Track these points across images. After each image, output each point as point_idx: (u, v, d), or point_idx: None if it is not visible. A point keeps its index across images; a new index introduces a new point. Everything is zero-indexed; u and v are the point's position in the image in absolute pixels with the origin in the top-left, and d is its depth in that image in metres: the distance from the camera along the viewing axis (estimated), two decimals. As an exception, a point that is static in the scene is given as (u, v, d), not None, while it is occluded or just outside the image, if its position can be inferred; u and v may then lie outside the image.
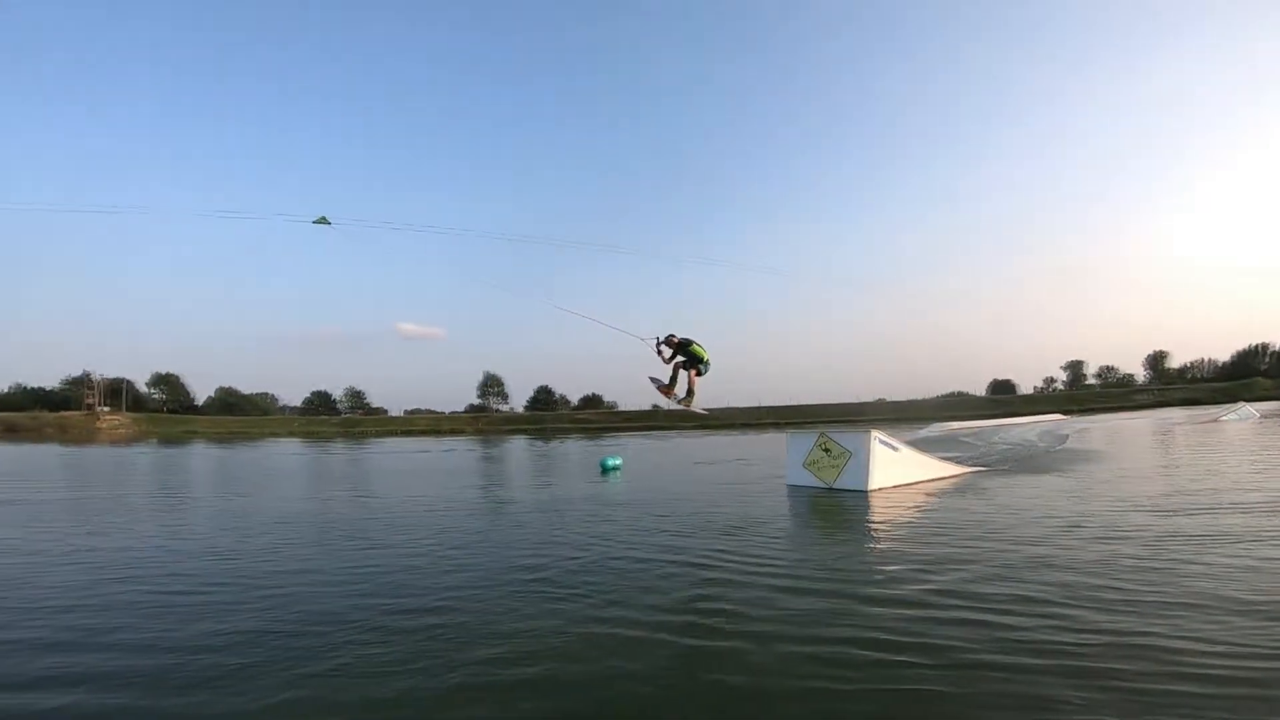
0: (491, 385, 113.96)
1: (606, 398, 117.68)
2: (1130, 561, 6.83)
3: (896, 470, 14.23)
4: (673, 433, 64.67)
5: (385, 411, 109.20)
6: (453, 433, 77.20)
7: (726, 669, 4.36)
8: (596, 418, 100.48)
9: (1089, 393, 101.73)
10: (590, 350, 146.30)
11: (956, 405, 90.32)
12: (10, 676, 4.30)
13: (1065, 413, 52.82)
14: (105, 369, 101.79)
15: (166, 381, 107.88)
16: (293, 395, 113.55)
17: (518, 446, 42.84)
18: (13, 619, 5.58)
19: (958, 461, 17.22)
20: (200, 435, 73.84)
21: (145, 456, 34.45)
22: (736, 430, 65.32)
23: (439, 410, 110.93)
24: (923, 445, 18.25)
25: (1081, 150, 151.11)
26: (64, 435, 73.27)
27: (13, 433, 75.68)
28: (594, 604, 5.94)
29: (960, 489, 13.42)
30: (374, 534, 9.82)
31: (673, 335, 10.67)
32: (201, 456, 34.66)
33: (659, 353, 10.51)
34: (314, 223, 9.24)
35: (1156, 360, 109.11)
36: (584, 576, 6.95)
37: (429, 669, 4.36)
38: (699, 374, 10.58)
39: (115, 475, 23.10)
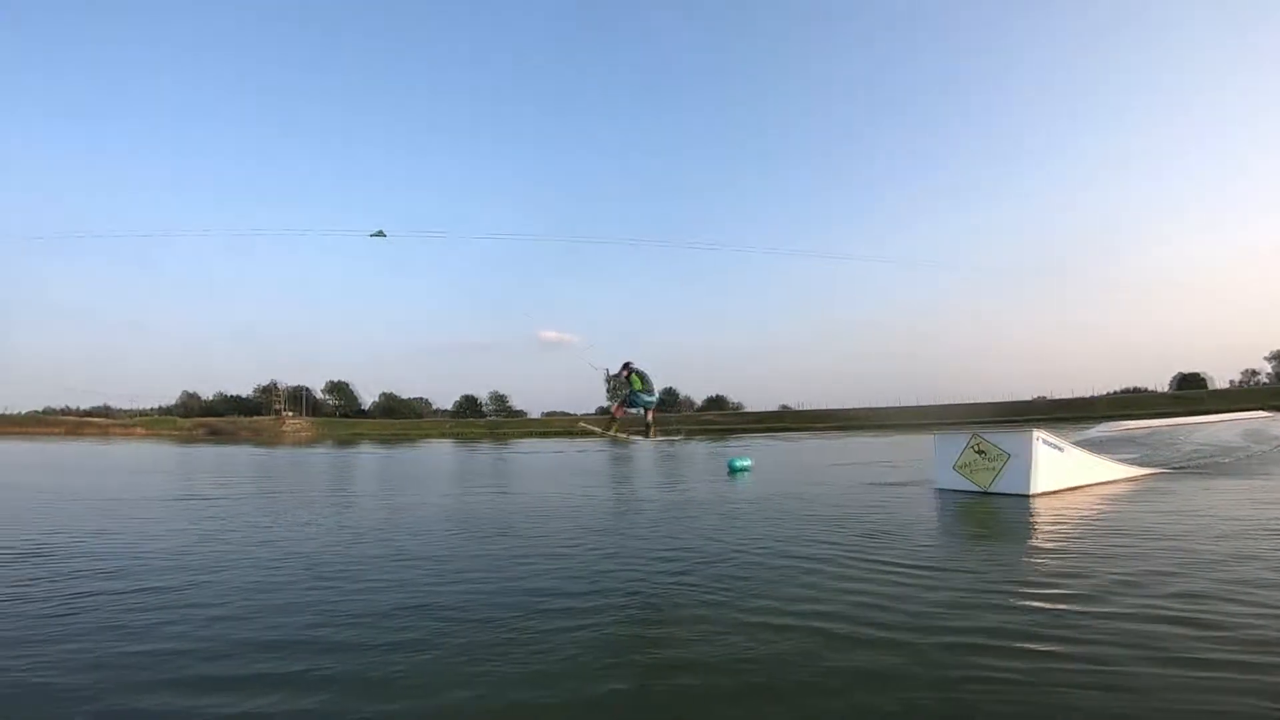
0: (619, 388, 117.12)
1: (731, 398, 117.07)
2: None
3: (1062, 472, 13.11)
4: (802, 434, 62.98)
5: (525, 414, 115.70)
6: (585, 434, 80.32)
7: (889, 669, 4.35)
8: (721, 419, 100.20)
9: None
10: (714, 351, 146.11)
11: (1132, 403, 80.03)
12: (213, 676, 4.43)
13: (1276, 409, 45.03)
14: (288, 378, 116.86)
15: (339, 388, 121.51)
16: (444, 399, 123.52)
17: (645, 447, 43.72)
18: (211, 618, 5.73)
19: (1136, 463, 15.43)
20: (366, 436, 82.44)
21: (323, 456, 38.86)
22: (874, 431, 62.34)
23: (573, 412, 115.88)
24: (1092, 446, 16.51)
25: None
26: (257, 437, 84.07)
27: (216, 435, 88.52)
28: (741, 604, 5.90)
29: (1142, 493, 12.09)
30: (521, 530, 10.37)
31: (629, 364, 10.86)
32: (370, 456, 38.63)
33: (616, 381, 10.62)
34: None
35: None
36: (726, 578, 6.91)
37: (585, 671, 4.39)
38: (627, 403, 10.80)
39: (299, 474, 25.85)
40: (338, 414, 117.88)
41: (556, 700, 4.02)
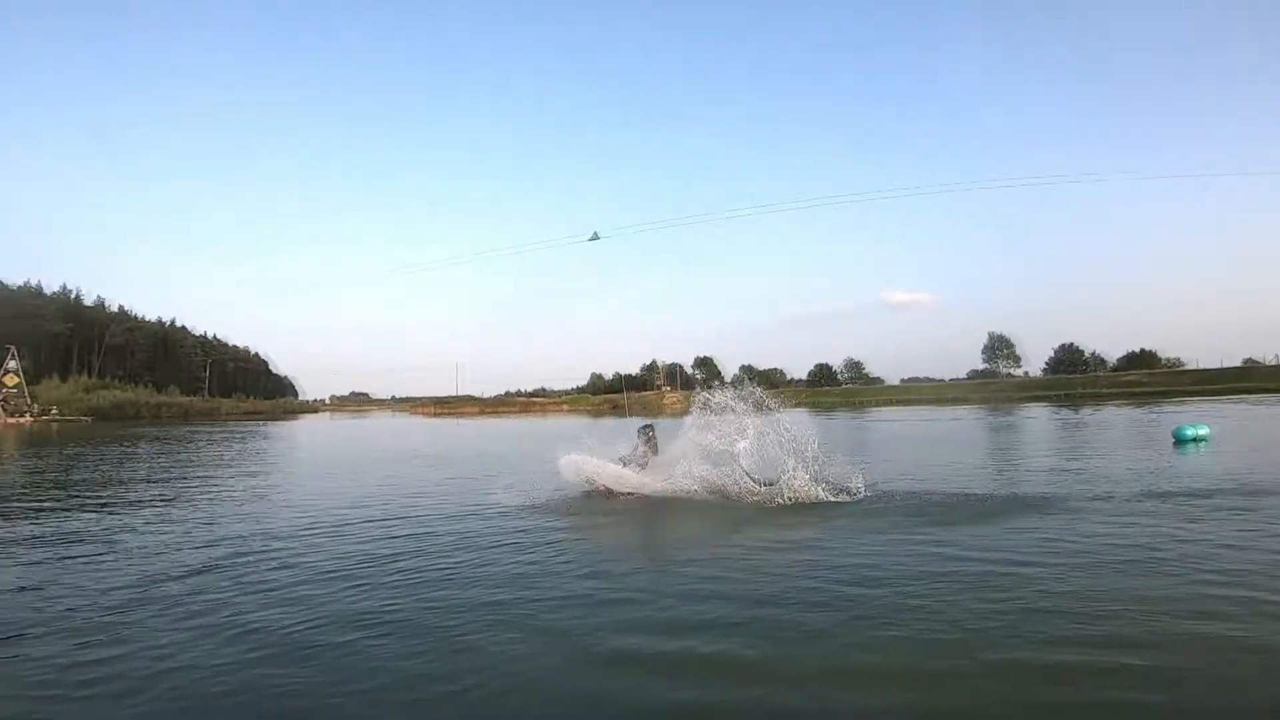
0: (999, 347, 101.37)
1: (1164, 353, 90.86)
2: None
3: None
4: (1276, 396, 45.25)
5: (882, 380, 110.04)
6: (955, 401, 71.26)
7: None
8: (1150, 379, 78.30)
9: None
10: (1133, 297, 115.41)
11: None
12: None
13: None
14: (665, 355, 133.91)
15: (705, 363, 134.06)
16: (798, 369, 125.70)
17: (1039, 415, 36.78)
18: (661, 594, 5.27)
19: None
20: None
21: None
22: None
23: (936, 378, 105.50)
24: None
25: None
26: (644, 410, 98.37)
27: (616, 409, 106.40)
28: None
29: None
30: (912, 494, 9.54)
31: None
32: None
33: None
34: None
35: None
36: (1196, 562, 5.53)
37: (1025, 643, 3.87)
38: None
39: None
40: (704, 387, 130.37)
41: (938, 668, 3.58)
